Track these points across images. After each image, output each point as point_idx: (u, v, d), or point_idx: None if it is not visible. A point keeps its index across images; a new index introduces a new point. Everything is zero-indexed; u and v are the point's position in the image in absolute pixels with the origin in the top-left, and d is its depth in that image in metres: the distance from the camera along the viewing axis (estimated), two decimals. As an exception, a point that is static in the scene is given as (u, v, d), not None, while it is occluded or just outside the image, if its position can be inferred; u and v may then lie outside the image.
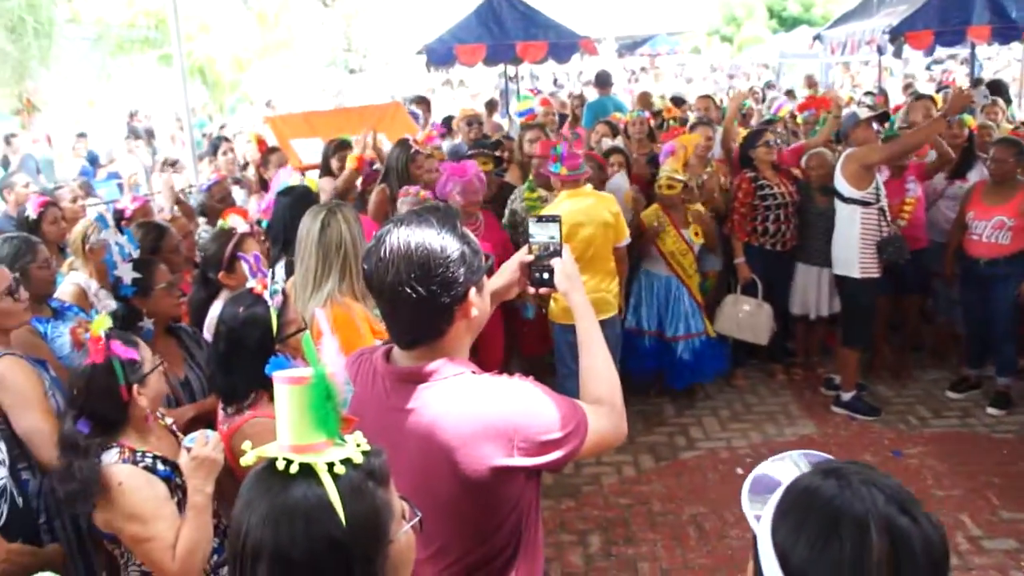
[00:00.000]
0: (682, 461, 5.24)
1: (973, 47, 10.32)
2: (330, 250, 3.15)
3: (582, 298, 2.01)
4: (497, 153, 6.32)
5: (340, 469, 1.21)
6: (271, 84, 18.67)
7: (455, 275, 1.68)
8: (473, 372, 1.77)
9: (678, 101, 8.83)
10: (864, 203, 5.40)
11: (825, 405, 5.86)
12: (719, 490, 4.85)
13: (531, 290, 2.07)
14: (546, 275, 2.03)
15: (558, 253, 2.02)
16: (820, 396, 6.00)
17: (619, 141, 6.87)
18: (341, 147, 5.81)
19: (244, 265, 2.78)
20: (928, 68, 19.14)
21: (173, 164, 7.36)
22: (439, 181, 4.98)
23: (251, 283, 2.78)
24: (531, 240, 2.05)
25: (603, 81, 9.62)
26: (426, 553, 1.71)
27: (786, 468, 1.34)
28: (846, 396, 5.72)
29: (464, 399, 1.71)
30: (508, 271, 2.07)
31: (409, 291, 1.65)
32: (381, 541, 1.25)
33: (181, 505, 2.50)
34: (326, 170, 5.83)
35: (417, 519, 1.33)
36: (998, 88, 9.78)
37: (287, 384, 1.23)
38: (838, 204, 5.53)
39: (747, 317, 5.87)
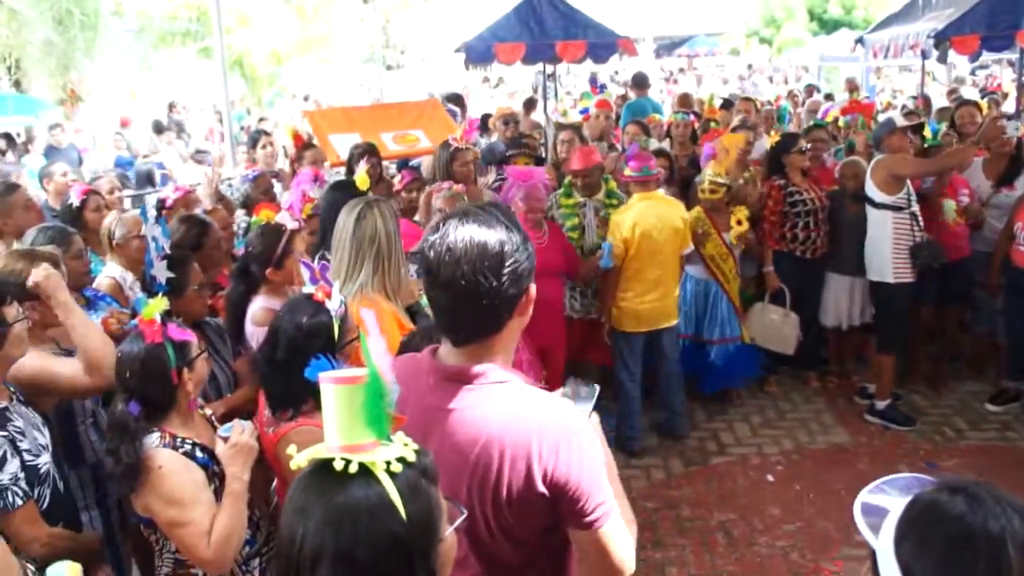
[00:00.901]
0: (712, 466, 5.21)
1: (1022, 52, 10.11)
2: (364, 243, 3.19)
3: (612, 471, 1.84)
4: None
5: (396, 468, 1.22)
6: (309, 78, 18.81)
7: (522, 267, 1.70)
8: (520, 381, 1.75)
9: (727, 103, 8.76)
10: (896, 208, 5.36)
11: (859, 414, 5.79)
12: (749, 496, 4.82)
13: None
14: None
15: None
16: (854, 405, 5.94)
17: (665, 144, 6.84)
18: (366, 152, 5.83)
19: (305, 271, 2.78)
20: (972, 73, 18.82)
21: (201, 156, 7.40)
22: (504, 187, 4.88)
23: (308, 288, 2.76)
24: (563, 393, 1.96)
25: (640, 82, 9.58)
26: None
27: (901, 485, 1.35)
28: (880, 405, 5.66)
29: (508, 408, 1.69)
30: None
31: (483, 280, 1.64)
32: (435, 538, 1.26)
33: (217, 493, 2.53)
34: (350, 174, 5.82)
35: (463, 517, 1.34)
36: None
37: (337, 384, 1.24)
38: (869, 210, 5.49)
39: (773, 326, 5.81)
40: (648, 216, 5.02)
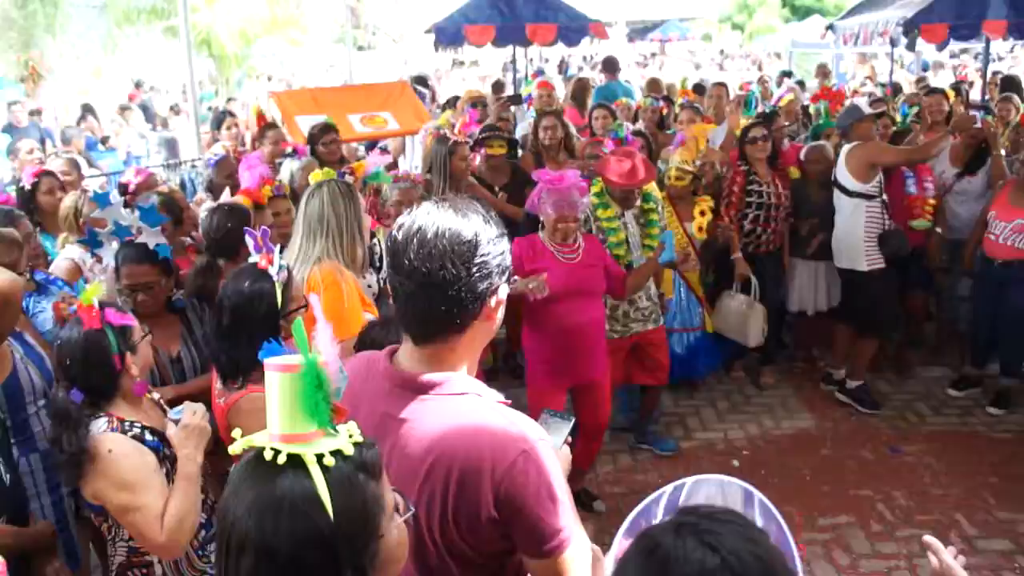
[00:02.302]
0: (679, 451, 5.23)
1: (988, 42, 10.19)
2: (312, 223, 3.29)
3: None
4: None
5: (330, 461, 1.18)
6: (278, 59, 18.57)
7: (494, 263, 1.60)
8: (479, 395, 1.64)
9: (699, 89, 8.74)
10: (868, 196, 5.39)
11: (824, 399, 5.84)
12: (715, 482, 4.83)
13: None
14: None
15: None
16: (819, 390, 5.98)
17: (640, 125, 6.80)
18: (326, 131, 5.73)
19: (250, 240, 2.77)
20: (953, 56, 18.99)
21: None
22: (531, 195, 4.25)
23: (254, 257, 2.77)
24: (542, 421, 1.86)
25: (610, 66, 9.54)
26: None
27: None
28: (852, 384, 5.71)
29: (463, 423, 1.58)
30: None
31: (450, 267, 1.55)
32: (370, 535, 1.22)
33: (169, 477, 2.49)
34: (312, 154, 5.71)
35: (411, 513, 1.31)
36: (1011, 84, 9.69)
37: (277, 372, 1.21)
38: (841, 198, 5.50)
39: (739, 316, 5.64)
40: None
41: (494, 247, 1.61)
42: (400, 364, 1.69)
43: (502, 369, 6.29)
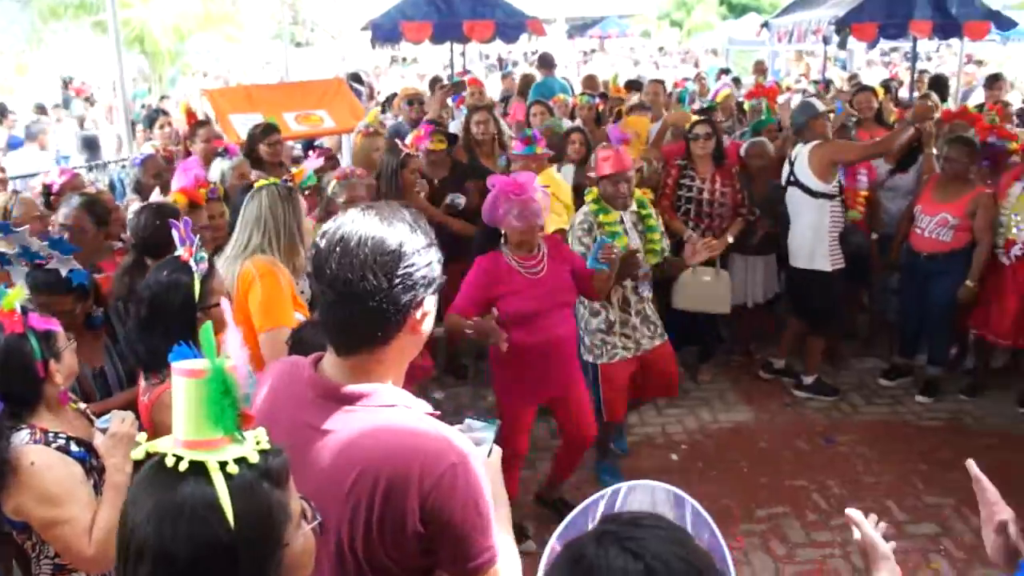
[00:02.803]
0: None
1: (915, 41, 10.48)
2: (249, 223, 3.33)
3: (505, 511, 1.75)
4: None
5: (233, 468, 1.16)
6: (213, 56, 18.20)
7: (418, 274, 1.55)
8: (408, 407, 1.60)
9: (635, 85, 8.78)
10: (831, 196, 5.44)
11: (761, 391, 5.93)
12: (653, 476, 4.79)
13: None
14: None
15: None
16: (757, 383, 6.07)
17: (577, 121, 6.82)
18: (267, 131, 5.63)
19: (175, 232, 2.71)
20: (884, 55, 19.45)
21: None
22: (485, 205, 3.89)
23: (179, 251, 2.73)
24: (465, 428, 1.86)
25: (547, 62, 9.57)
26: None
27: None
28: (808, 380, 5.82)
29: (389, 436, 1.54)
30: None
31: (371, 278, 1.50)
32: (274, 544, 1.20)
33: (97, 488, 2.41)
34: (251, 155, 5.59)
35: (317, 522, 1.28)
36: (939, 83, 9.97)
37: (183, 376, 1.17)
38: (802, 198, 5.47)
39: (707, 287, 5.62)
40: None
41: (420, 258, 1.56)
42: (325, 373, 1.64)
43: (443, 370, 6.27)
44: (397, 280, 1.52)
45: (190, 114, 6.81)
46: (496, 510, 1.63)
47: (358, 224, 1.55)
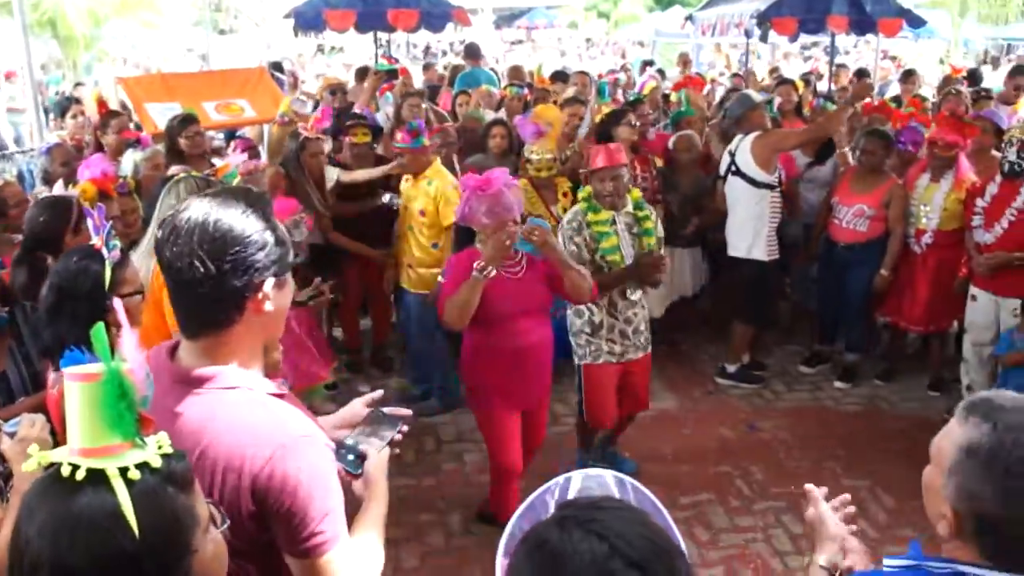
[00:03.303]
0: (545, 437, 5.25)
1: (833, 36, 10.75)
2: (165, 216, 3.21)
3: (384, 492, 1.81)
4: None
5: (135, 474, 1.10)
6: (130, 42, 17.64)
7: (251, 259, 1.55)
8: (251, 389, 1.61)
9: (561, 76, 8.79)
10: (772, 187, 5.52)
11: (686, 380, 6.02)
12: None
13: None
14: (351, 457, 1.82)
15: (379, 449, 1.86)
16: (681, 371, 6.16)
17: (502, 113, 6.80)
18: (187, 122, 5.48)
19: (89, 220, 2.62)
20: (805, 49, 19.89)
21: None
22: (461, 202, 3.80)
23: (94, 239, 2.65)
24: (372, 415, 1.91)
25: (473, 53, 9.53)
26: None
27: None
28: (731, 368, 5.93)
29: (229, 417, 1.56)
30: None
31: (197, 265, 1.52)
32: (181, 551, 1.15)
33: (3, 495, 2.31)
34: (171, 147, 5.45)
35: (226, 526, 1.24)
36: (861, 77, 10.23)
37: (76, 381, 1.12)
38: (744, 189, 5.52)
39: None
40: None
41: (253, 242, 1.56)
42: (179, 358, 1.67)
43: (368, 362, 6.20)
44: (227, 265, 1.53)
45: (101, 103, 6.58)
46: (366, 504, 1.72)
47: (192, 211, 1.56)
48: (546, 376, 4.04)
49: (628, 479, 1.47)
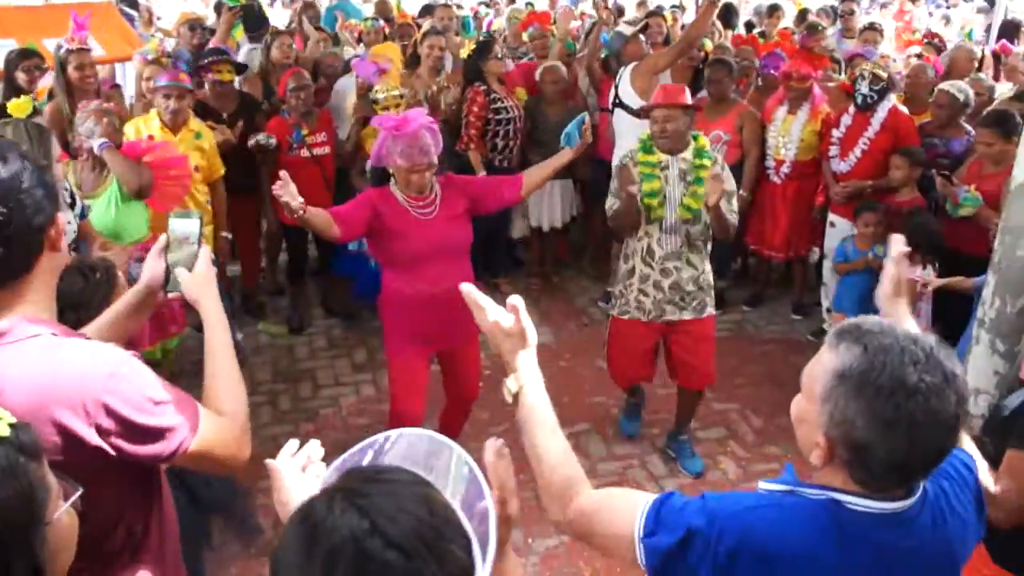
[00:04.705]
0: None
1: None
2: None
3: (214, 305, 1.87)
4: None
5: None
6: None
7: (39, 194, 1.54)
8: (54, 333, 1.55)
9: (428, 9, 8.54)
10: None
11: (561, 313, 6.12)
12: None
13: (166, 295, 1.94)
14: (175, 276, 1.90)
15: (194, 255, 1.91)
16: (556, 304, 6.24)
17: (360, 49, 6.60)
18: (24, 56, 5.07)
19: None
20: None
21: None
22: (375, 147, 3.66)
23: None
24: (170, 233, 1.94)
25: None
26: None
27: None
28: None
29: (35, 365, 1.49)
30: (148, 271, 1.94)
31: None
32: (37, 523, 1.08)
33: None
34: (9, 85, 5.03)
35: (77, 494, 1.17)
36: (727, 12, 10.39)
37: None
38: (628, 120, 5.50)
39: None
40: None
41: (33, 179, 1.53)
42: None
43: (240, 308, 6.01)
44: (27, 205, 1.51)
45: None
46: (207, 331, 1.82)
47: None
48: (464, 321, 3.94)
49: (454, 445, 1.37)
